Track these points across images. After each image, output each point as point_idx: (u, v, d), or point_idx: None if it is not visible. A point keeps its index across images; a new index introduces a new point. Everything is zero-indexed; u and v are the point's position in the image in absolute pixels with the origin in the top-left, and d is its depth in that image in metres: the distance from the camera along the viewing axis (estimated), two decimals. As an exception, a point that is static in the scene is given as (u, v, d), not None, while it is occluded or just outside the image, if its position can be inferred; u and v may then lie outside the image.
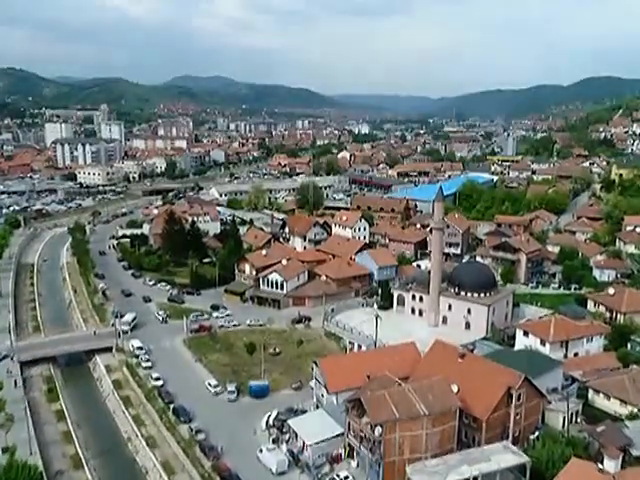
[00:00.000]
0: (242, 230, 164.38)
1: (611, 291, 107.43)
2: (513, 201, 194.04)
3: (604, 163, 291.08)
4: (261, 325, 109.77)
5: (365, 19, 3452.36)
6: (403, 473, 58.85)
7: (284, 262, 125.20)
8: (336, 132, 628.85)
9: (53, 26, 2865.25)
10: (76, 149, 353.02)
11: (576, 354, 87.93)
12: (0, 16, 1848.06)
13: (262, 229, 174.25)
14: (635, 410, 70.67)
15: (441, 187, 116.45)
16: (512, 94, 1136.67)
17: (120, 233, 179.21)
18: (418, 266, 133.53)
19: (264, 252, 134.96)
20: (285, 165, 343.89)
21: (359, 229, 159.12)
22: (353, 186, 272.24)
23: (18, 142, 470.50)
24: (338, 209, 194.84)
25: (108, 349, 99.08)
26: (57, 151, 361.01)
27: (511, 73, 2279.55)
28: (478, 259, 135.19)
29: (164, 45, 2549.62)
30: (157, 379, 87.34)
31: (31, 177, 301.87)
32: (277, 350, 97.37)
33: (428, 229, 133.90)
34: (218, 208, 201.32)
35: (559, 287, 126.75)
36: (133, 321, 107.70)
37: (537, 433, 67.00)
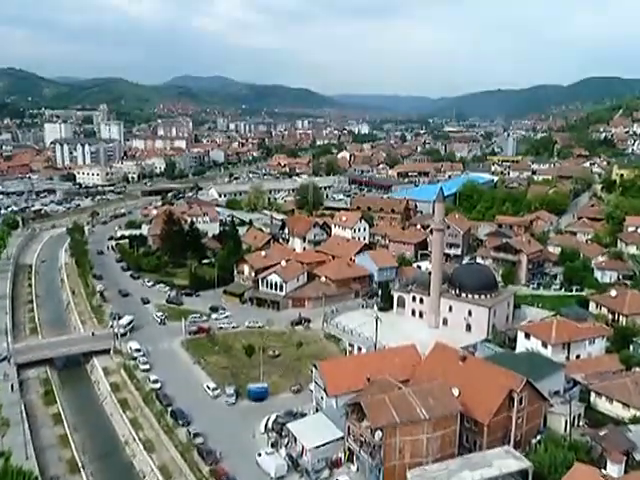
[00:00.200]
0: (241, 231, 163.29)
1: (613, 293, 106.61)
2: (513, 201, 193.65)
3: (605, 163, 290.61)
4: (260, 327, 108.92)
5: (365, 19, 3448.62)
6: (403, 478, 58.09)
7: (283, 263, 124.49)
8: (336, 132, 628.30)
9: (53, 26, 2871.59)
10: (75, 149, 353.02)
11: (578, 356, 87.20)
12: (0, 16, 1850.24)
13: (261, 230, 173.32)
14: (638, 413, 69.95)
15: (441, 188, 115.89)
16: (512, 94, 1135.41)
17: (119, 234, 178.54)
18: (418, 267, 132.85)
19: (263, 253, 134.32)
20: (285, 165, 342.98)
21: (359, 230, 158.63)
22: (353, 186, 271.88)
23: (17, 142, 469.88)
24: (338, 209, 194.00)
25: (106, 351, 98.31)
26: (56, 151, 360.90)
27: (511, 73, 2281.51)
28: (479, 260, 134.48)
29: (164, 45, 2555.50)
30: (155, 382, 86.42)
31: (30, 177, 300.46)
32: (276, 352, 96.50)
33: (428, 230, 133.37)
34: (217, 209, 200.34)
35: (560, 288, 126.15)
36: (129, 324, 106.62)
37: (539, 437, 66.26)
